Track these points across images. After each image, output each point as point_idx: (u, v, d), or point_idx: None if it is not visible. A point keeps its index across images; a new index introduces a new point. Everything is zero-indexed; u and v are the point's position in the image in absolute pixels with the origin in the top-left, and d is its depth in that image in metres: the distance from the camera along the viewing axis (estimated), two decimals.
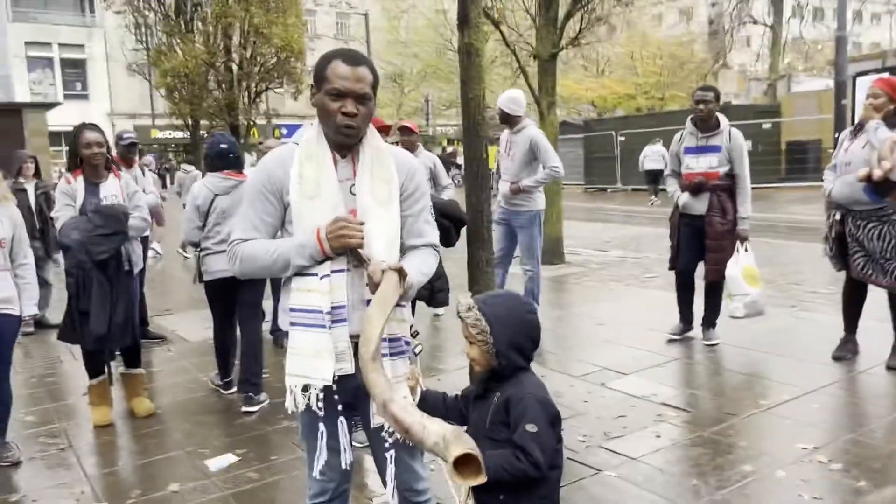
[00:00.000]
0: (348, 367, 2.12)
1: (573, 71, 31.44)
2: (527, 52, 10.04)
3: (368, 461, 3.31)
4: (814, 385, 4.53)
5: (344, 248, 2.08)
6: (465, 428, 2.05)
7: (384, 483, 2.29)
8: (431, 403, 2.17)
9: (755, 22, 29.63)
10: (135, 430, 4.47)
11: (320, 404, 2.13)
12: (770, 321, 5.83)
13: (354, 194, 2.15)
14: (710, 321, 5.55)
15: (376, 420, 2.14)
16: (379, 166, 2.19)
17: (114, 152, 5.67)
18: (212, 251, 4.74)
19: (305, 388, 2.12)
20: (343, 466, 2.26)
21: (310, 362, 2.10)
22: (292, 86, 19.07)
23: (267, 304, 5.91)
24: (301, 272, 2.13)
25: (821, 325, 5.83)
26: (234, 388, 4.98)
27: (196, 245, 4.92)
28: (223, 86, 18.62)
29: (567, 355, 5.49)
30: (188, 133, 21.38)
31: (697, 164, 5.34)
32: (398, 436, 2.09)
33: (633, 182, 22.33)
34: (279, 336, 5.99)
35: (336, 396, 2.15)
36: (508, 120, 5.87)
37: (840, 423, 4.06)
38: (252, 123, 19.56)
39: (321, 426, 2.21)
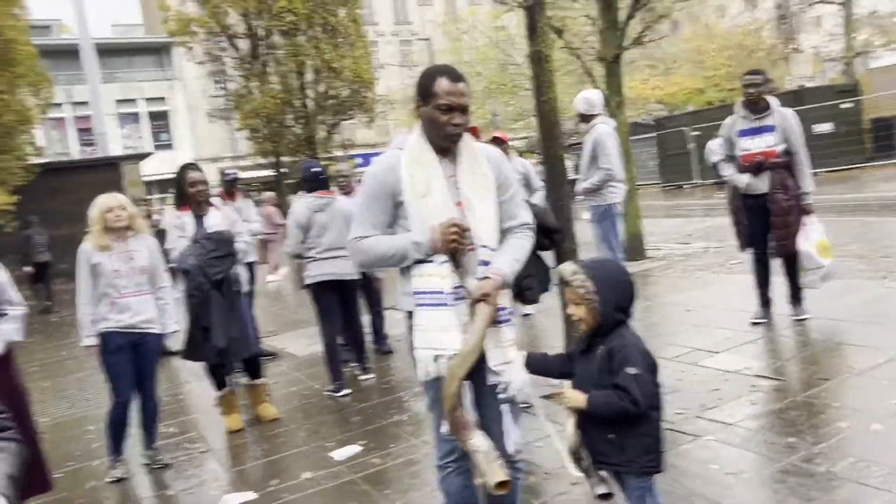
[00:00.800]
0: None
1: (639, 71, 31.19)
2: (591, 56, 10.26)
3: None
4: None
5: (450, 252, 2.43)
6: (569, 383, 2.37)
7: (492, 437, 2.58)
8: (535, 361, 2.50)
9: (824, 1, 28.73)
10: (263, 433, 4.93)
11: None
12: (861, 293, 5.85)
13: (459, 189, 2.50)
14: (795, 296, 5.63)
15: (490, 379, 2.47)
16: (475, 163, 2.55)
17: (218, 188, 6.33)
18: (315, 259, 5.52)
19: (435, 360, 2.45)
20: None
21: (438, 336, 2.44)
22: (365, 115, 19.83)
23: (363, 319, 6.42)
24: (420, 261, 2.48)
25: None
26: (347, 391, 5.44)
27: (299, 256, 5.65)
28: (301, 121, 19.51)
29: (658, 341, 5.66)
30: (271, 171, 22.37)
31: (754, 145, 5.45)
32: (510, 394, 2.44)
33: (710, 176, 22.00)
34: (382, 345, 6.49)
35: None
36: (584, 119, 6.12)
37: None
38: (332, 155, 20.40)
39: None
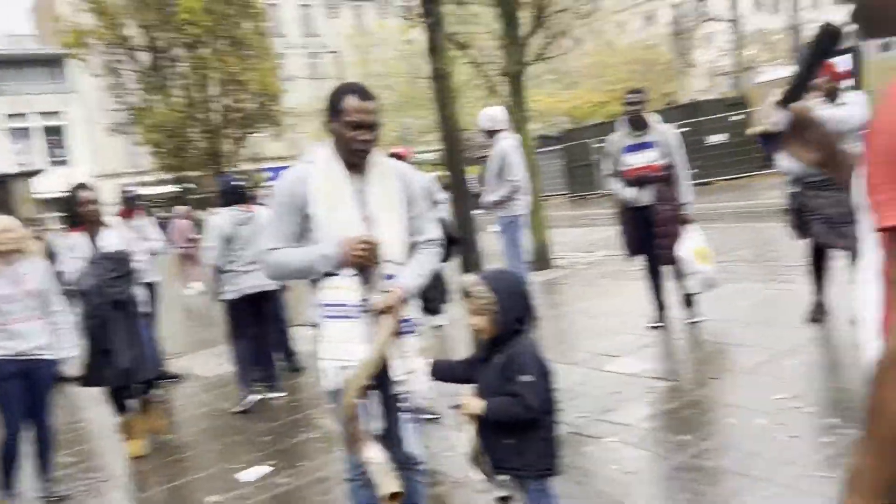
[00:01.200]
0: None
1: (545, 85, 32.04)
2: (495, 71, 10.49)
3: None
4: (790, 346, 4.91)
5: (358, 266, 2.47)
6: (474, 387, 2.45)
7: (388, 444, 2.66)
8: (440, 369, 2.57)
9: (714, 19, 30.40)
10: (167, 457, 4.79)
11: None
12: (749, 295, 6.22)
13: (367, 204, 2.56)
14: (687, 301, 5.93)
15: (393, 389, 2.54)
16: (384, 178, 2.61)
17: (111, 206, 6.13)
18: (237, 272, 5.50)
19: (341, 371, 2.49)
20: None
21: (344, 347, 2.49)
22: (273, 128, 19.55)
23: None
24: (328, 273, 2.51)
25: (795, 294, 6.20)
26: (256, 397, 5.54)
27: (220, 270, 5.58)
28: (206, 135, 19.04)
29: (563, 347, 5.85)
30: (175, 186, 21.75)
31: (637, 160, 5.74)
32: (413, 403, 2.50)
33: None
34: (292, 362, 6.41)
35: None
36: (489, 135, 6.29)
37: (813, 375, 4.44)
38: (233, 170, 20.02)
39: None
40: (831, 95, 4.96)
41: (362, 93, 2.54)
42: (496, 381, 2.35)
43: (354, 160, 2.55)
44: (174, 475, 4.44)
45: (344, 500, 3.10)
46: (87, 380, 4.80)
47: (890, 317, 1.06)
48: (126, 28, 18.70)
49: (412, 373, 2.57)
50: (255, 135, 20.51)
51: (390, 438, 2.64)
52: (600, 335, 6.01)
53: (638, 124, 5.75)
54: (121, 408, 4.91)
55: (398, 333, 2.51)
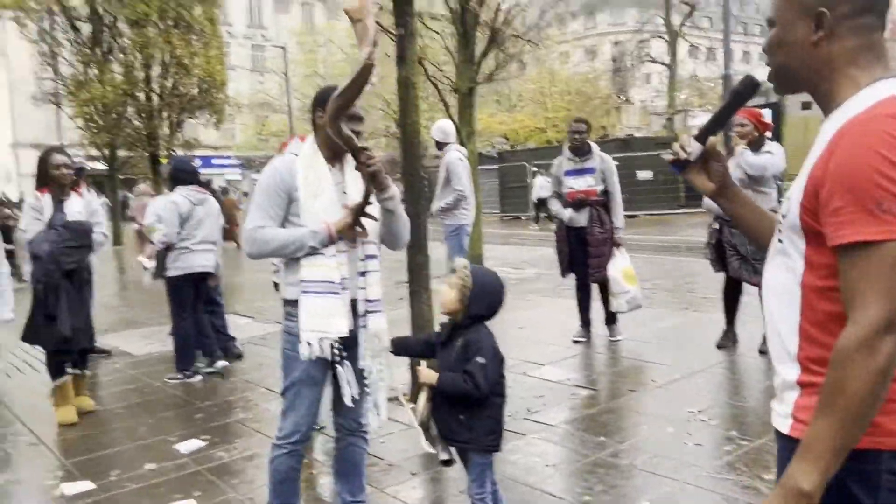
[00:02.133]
0: (351, 325, 2.78)
1: (487, 105, 32.71)
2: (447, 86, 10.83)
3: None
4: (700, 367, 5.36)
5: (346, 234, 2.75)
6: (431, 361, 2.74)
7: (337, 413, 3.01)
8: (398, 344, 2.86)
9: (654, 61, 31.75)
10: (100, 427, 4.83)
11: (335, 351, 2.74)
12: (666, 320, 6.69)
13: (346, 193, 2.82)
14: (610, 319, 6.35)
15: (361, 364, 2.83)
16: (358, 175, 2.84)
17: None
18: (190, 250, 5.71)
19: (320, 342, 2.72)
20: (317, 405, 2.91)
21: (326, 320, 2.71)
22: (214, 116, 19.31)
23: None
24: (312, 252, 2.74)
25: (709, 322, 6.71)
26: (198, 377, 5.73)
27: (170, 247, 5.73)
28: (143, 115, 18.64)
29: None
30: (102, 163, 21.13)
31: (577, 184, 6.16)
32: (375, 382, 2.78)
33: (544, 209, 23.60)
34: (232, 347, 6.47)
35: (340, 347, 2.77)
36: (438, 146, 6.61)
37: (720, 393, 4.87)
38: (173, 153, 19.63)
39: (316, 369, 2.80)
40: (757, 144, 5.45)
41: None
42: (454, 362, 2.62)
43: (340, 150, 2.78)
44: (108, 443, 4.49)
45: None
46: (27, 337, 4.82)
47: (817, 322, 1.34)
48: None
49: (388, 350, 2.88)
50: (192, 120, 20.19)
51: (342, 405, 2.90)
52: (527, 345, 6.35)
53: (580, 151, 6.16)
54: (57, 373, 4.93)
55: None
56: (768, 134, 5.53)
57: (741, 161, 5.36)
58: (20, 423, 5.00)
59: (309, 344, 2.72)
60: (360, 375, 2.87)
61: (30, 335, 4.78)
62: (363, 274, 2.83)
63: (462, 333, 2.66)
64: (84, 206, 5.08)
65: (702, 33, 31.56)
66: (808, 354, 1.37)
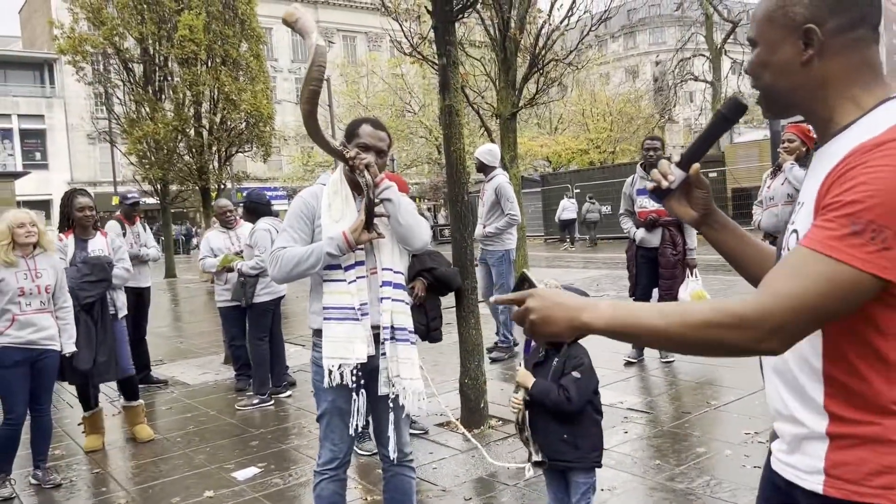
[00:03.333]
0: (370, 350, 2.83)
1: (528, 129, 32.76)
2: (488, 111, 10.90)
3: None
4: (757, 388, 5.23)
5: (361, 237, 2.77)
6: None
7: (379, 444, 3.03)
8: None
9: (696, 79, 31.45)
10: (160, 454, 4.94)
11: (353, 378, 2.78)
12: None
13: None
14: None
15: (382, 391, 2.86)
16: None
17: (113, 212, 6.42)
18: (250, 283, 6.06)
19: (339, 368, 2.77)
20: (350, 433, 2.92)
21: (345, 346, 2.77)
22: (262, 149, 19.75)
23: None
24: (331, 279, 2.80)
25: None
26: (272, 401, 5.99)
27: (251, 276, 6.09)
28: (194, 150, 19.18)
29: None
30: (156, 198, 21.75)
31: (650, 204, 6.09)
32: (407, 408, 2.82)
33: (587, 231, 23.53)
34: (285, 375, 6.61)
35: (359, 374, 2.81)
36: (484, 169, 6.65)
37: None
38: (223, 186, 20.11)
39: (342, 399, 2.84)
40: (805, 159, 5.36)
41: (375, 123, 2.97)
42: (551, 380, 2.73)
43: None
44: (168, 472, 4.59)
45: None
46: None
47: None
48: (123, 39, 18.89)
49: (410, 380, 2.88)
50: (240, 154, 20.70)
51: (379, 436, 2.97)
52: None
53: (653, 168, 6.09)
54: (86, 404, 5.12)
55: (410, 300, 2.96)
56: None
57: (790, 176, 5.27)
58: (83, 452, 5.14)
59: (330, 371, 2.77)
60: (384, 402, 2.91)
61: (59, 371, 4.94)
62: (388, 300, 2.86)
63: (557, 353, 2.77)
64: (108, 243, 5.29)
65: (745, 49, 31.22)
66: (836, 401, 1.21)
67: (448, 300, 5.07)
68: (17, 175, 20.17)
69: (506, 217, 6.51)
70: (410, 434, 3.27)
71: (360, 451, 4.52)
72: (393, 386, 2.85)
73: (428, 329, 5.44)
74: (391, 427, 2.92)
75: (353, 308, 2.78)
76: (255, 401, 5.95)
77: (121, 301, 5.31)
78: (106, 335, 4.93)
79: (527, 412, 2.73)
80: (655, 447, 4.28)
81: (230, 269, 6.19)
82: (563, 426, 2.68)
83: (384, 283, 2.86)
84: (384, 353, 2.85)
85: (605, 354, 6.63)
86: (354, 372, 2.79)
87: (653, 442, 4.37)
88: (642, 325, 1.24)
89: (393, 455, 2.94)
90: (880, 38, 1.32)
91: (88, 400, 5.15)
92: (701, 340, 1.20)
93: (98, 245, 5.22)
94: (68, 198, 5.27)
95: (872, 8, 1.25)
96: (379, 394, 2.88)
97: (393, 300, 2.86)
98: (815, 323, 1.15)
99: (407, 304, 2.94)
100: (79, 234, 5.20)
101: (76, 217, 5.16)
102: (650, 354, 6.37)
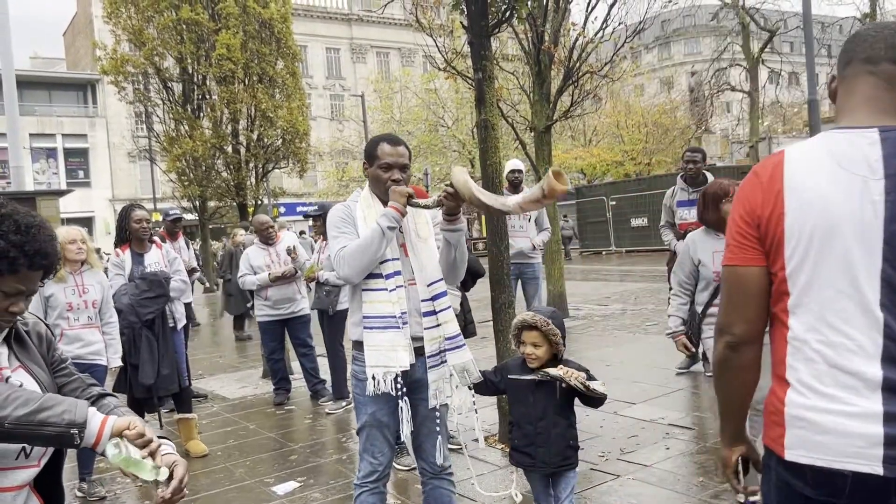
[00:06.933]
0: (411, 359, 2.82)
1: (562, 141, 32.65)
2: (522, 125, 10.91)
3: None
4: None
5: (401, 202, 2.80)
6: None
7: (419, 457, 3.04)
8: (484, 386, 3.06)
9: (733, 89, 31.06)
10: (201, 469, 4.99)
11: (397, 385, 2.78)
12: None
13: (402, 233, 2.91)
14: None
15: (431, 403, 2.88)
16: (415, 212, 2.91)
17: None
18: (335, 292, 6.12)
19: (384, 376, 2.77)
20: (390, 446, 2.94)
21: (388, 354, 2.78)
22: (297, 165, 20.03)
23: (296, 365, 6.75)
24: (372, 288, 2.82)
25: None
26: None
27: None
28: (231, 167, 19.53)
29: None
30: (195, 214, 22.15)
31: (690, 215, 6.02)
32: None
33: (625, 244, 23.31)
34: (320, 390, 6.62)
35: (401, 382, 2.81)
36: (516, 185, 6.67)
37: None
38: (260, 202, 20.39)
39: (382, 411, 2.85)
40: None
41: (392, 140, 2.98)
42: (560, 393, 2.83)
43: (388, 198, 2.88)
44: (209, 486, 4.63)
45: None
46: (117, 387, 5.06)
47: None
48: (162, 59, 19.36)
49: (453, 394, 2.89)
50: (277, 170, 21.00)
51: (422, 448, 2.97)
52: (617, 383, 6.21)
53: (694, 180, 6.05)
54: (141, 417, 5.17)
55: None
56: None
57: None
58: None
59: (374, 378, 2.77)
60: (430, 415, 2.91)
61: (119, 384, 5.02)
62: (433, 313, 2.86)
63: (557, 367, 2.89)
64: (164, 255, 5.36)
65: (783, 58, 30.65)
66: None
67: (483, 312, 5.06)
68: (61, 193, 20.72)
69: (546, 230, 6.53)
70: (448, 449, 3.25)
71: (397, 467, 4.52)
72: (436, 399, 2.87)
73: (465, 322, 5.48)
74: (437, 431, 2.94)
75: (395, 317, 2.79)
76: (343, 403, 6.12)
77: (179, 312, 5.43)
78: (168, 348, 5.04)
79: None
80: (699, 464, 4.20)
81: (313, 279, 6.27)
82: (569, 431, 2.89)
83: (431, 298, 2.87)
84: (438, 365, 2.86)
85: (642, 368, 6.56)
86: (398, 380, 2.79)
87: (696, 458, 4.29)
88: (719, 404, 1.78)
89: (440, 460, 2.95)
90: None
91: (142, 413, 5.19)
92: (714, 371, 1.76)
93: (154, 258, 5.29)
94: (126, 212, 5.36)
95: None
96: (429, 406, 2.88)
97: (437, 312, 2.86)
98: None
99: (454, 310, 2.99)
100: (135, 247, 5.28)
101: (133, 229, 5.24)
102: (696, 368, 6.27)
